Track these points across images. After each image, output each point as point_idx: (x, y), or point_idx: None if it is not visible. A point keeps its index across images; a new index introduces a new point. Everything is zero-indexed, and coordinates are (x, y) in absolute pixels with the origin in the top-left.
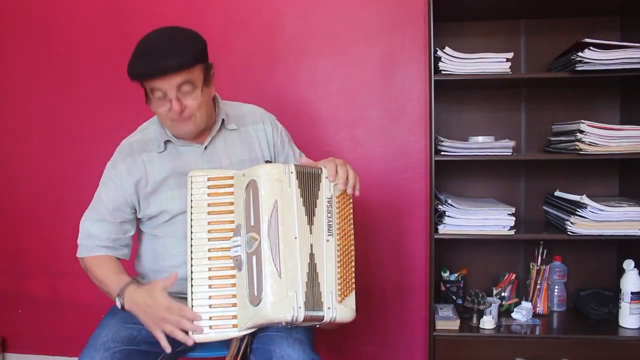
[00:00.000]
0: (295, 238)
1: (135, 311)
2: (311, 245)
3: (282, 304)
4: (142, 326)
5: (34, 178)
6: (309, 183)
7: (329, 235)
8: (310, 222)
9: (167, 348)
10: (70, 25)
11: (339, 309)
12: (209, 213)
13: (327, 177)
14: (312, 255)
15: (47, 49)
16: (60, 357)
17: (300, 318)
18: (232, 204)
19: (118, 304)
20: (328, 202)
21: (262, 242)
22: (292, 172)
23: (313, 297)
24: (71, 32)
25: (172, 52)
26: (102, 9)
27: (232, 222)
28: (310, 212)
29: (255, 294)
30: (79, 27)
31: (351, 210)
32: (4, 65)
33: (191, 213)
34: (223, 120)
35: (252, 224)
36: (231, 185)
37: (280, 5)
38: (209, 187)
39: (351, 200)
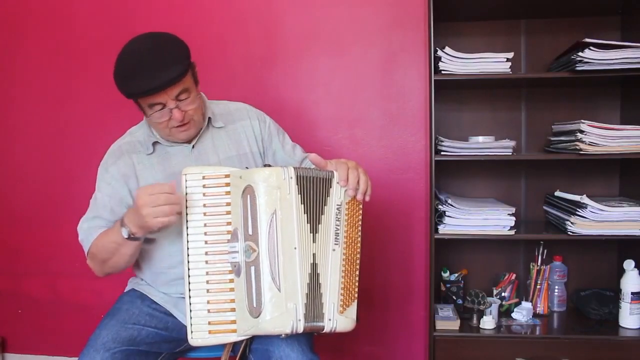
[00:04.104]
0: (295, 248)
1: (135, 223)
2: (314, 254)
3: (282, 317)
4: (142, 326)
5: (34, 178)
6: (314, 188)
7: (335, 244)
8: (314, 230)
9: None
10: (70, 26)
11: (339, 320)
12: (205, 214)
13: (338, 182)
14: (314, 265)
15: (47, 50)
16: (60, 357)
17: (300, 330)
18: (229, 204)
19: (125, 234)
20: (337, 208)
21: (261, 253)
22: (291, 177)
23: (314, 308)
24: (71, 33)
25: (167, 64)
26: (102, 9)
27: (230, 223)
28: (314, 219)
29: (255, 305)
30: (79, 27)
31: (360, 217)
32: (3, 66)
33: (187, 214)
34: (210, 118)
35: (250, 232)
36: (227, 185)
37: (281, 5)
38: (204, 186)
39: (361, 206)
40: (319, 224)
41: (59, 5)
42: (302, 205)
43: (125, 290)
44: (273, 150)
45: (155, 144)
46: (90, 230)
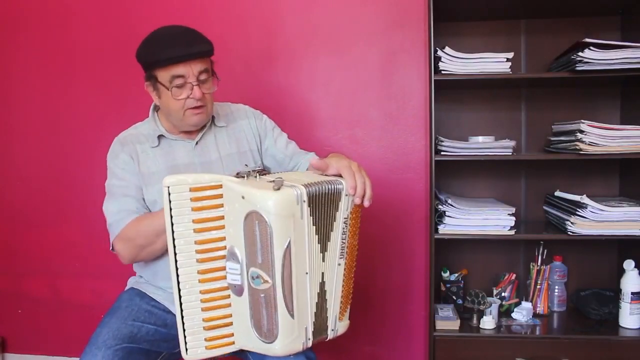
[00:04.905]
0: (307, 273)
1: None
2: (322, 273)
3: (294, 342)
4: (141, 323)
5: (34, 178)
6: (325, 205)
7: (340, 258)
8: (324, 249)
9: None
10: (69, 25)
11: (339, 326)
12: (195, 231)
13: (347, 195)
14: (322, 284)
15: (46, 49)
16: (60, 357)
17: (309, 346)
18: (221, 218)
19: None
20: (344, 222)
21: (276, 286)
22: (304, 201)
23: (320, 324)
24: (70, 32)
25: (198, 39)
26: (102, 8)
27: (223, 239)
28: (324, 238)
29: (265, 330)
30: (78, 26)
31: (359, 222)
32: (2, 65)
33: (172, 232)
34: (213, 117)
35: (260, 261)
36: (219, 196)
37: (281, 5)
38: (192, 199)
39: (360, 211)
40: (328, 241)
41: (58, 6)
42: (314, 226)
43: (125, 289)
44: (266, 146)
45: (160, 137)
46: (121, 213)
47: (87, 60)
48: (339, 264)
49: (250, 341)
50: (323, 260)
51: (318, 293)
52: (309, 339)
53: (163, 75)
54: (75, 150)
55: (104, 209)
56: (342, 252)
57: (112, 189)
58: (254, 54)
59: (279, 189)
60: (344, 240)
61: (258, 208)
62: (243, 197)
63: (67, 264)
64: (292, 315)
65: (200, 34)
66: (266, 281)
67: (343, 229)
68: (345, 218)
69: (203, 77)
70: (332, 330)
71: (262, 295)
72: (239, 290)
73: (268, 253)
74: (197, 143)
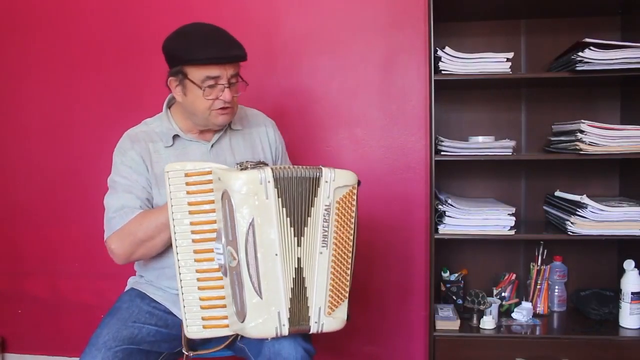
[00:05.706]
0: (276, 255)
1: None
2: (298, 259)
3: (265, 324)
4: (142, 324)
5: (34, 178)
6: (298, 189)
7: (322, 246)
8: (299, 233)
9: None
10: (69, 25)
11: (326, 321)
12: (190, 212)
13: (327, 182)
14: (299, 270)
15: (47, 50)
16: (60, 357)
17: (285, 333)
18: (213, 202)
19: None
20: (326, 209)
21: (240, 262)
22: (269, 181)
23: (299, 313)
24: (70, 32)
25: (234, 42)
26: (100, 8)
27: (214, 222)
28: (299, 222)
29: (239, 309)
30: (78, 27)
31: (353, 215)
32: (2, 65)
33: (172, 212)
34: None
35: (230, 238)
36: (210, 182)
37: (281, 5)
38: (187, 183)
39: (354, 204)
40: (304, 226)
41: (60, 6)
42: (284, 208)
43: (125, 290)
44: (280, 163)
45: (175, 137)
46: (124, 209)
47: (88, 61)
48: (321, 253)
49: (234, 323)
50: (298, 245)
51: (294, 278)
52: (284, 325)
53: (196, 73)
54: (76, 151)
55: (105, 202)
56: (324, 241)
57: (115, 185)
58: (254, 54)
59: (245, 169)
60: (326, 229)
61: (226, 186)
62: (220, 179)
63: (67, 264)
64: (259, 295)
65: (233, 37)
66: (235, 258)
67: (324, 216)
68: (327, 206)
69: (234, 80)
70: (316, 322)
71: (235, 273)
72: (225, 271)
73: (234, 230)
74: (212, 146)
